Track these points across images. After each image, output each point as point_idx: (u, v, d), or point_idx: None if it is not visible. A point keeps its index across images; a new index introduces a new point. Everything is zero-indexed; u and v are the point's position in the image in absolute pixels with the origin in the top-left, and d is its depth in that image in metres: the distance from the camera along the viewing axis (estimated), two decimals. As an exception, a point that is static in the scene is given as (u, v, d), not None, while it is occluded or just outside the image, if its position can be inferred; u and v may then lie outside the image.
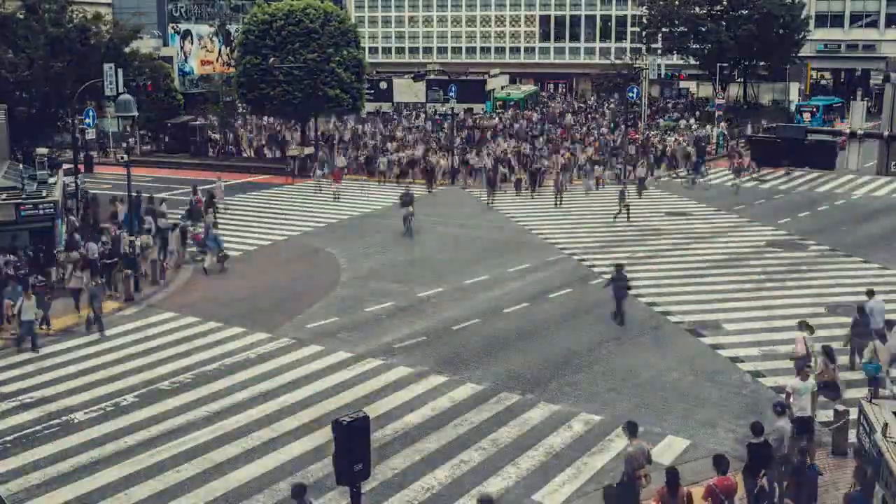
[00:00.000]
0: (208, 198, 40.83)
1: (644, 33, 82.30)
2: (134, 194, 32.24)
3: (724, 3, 75.29)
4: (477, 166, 50.85)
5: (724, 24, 73.98)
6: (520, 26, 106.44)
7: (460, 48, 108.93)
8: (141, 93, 39.97)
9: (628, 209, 39.82)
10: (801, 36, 76.75)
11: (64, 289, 28.08)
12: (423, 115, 75.96)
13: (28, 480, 16.91)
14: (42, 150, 34.24)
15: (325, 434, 17.62)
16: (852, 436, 16.74)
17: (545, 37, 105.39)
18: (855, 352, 21.57)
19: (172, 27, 72.75)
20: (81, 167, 40.23)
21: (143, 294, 29.29)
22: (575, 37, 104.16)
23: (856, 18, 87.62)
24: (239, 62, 57.22)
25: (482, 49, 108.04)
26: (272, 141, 62.50)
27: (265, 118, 68.70)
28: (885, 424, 13.79)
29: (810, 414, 17.39)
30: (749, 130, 65.86)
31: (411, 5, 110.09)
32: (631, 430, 15.35)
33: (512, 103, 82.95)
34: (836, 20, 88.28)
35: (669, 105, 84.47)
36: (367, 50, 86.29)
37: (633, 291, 28.98)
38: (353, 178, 52.01)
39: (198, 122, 62.57)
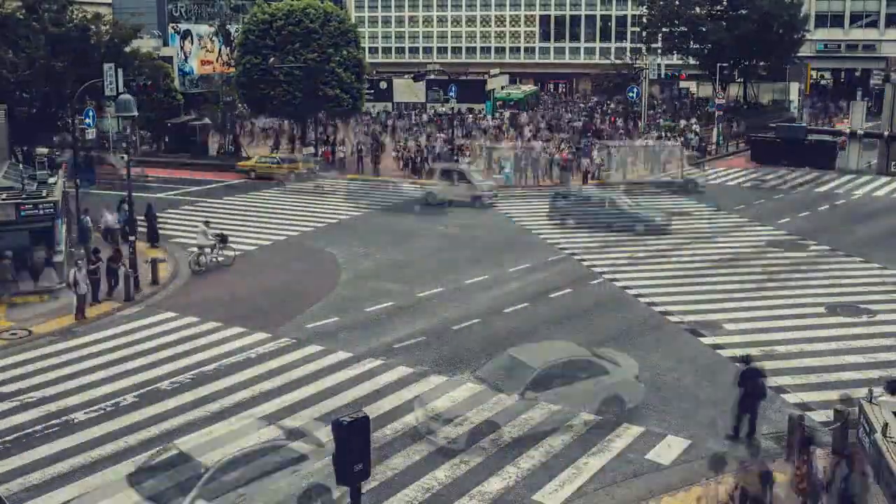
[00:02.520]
0: None
1: (644, 33, 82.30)
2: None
3: (724, 3, 75.30)
4: None
5: (724, 24, 73.98)
6: (520, 26, 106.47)
7: (460, 48, 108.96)
8: (141, 93, 39.94)
9: None
10: (800, 36, 76.75)
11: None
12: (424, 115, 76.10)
13: (28, 480, 16.91)
14: (42, 150, 34.19)
15: (325, 434, 17.63)
16: (852, 436, 16.75)
17: (545, 37, 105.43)
18: None
19: (172, 27, 72.57)
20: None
21: (143, 294, 29.29)
22: (575, 37, 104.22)
23: (856, 18, 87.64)
24: (239, 62, 57.22)
25: (482, 49, 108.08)
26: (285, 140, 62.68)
27: (266, 119, 68.69)
28: (885, 424, 13.81)
29: None
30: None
31: (411, 5, 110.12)
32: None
33: (512, 103, 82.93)
34: (836, 20, 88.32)
35: (665, 107, 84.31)
36: (367, 50, 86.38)
37: (632, 291, 29.08)
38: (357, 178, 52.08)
39: (198, 122, 62.55)
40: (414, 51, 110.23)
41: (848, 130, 52.78)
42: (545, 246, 35.58)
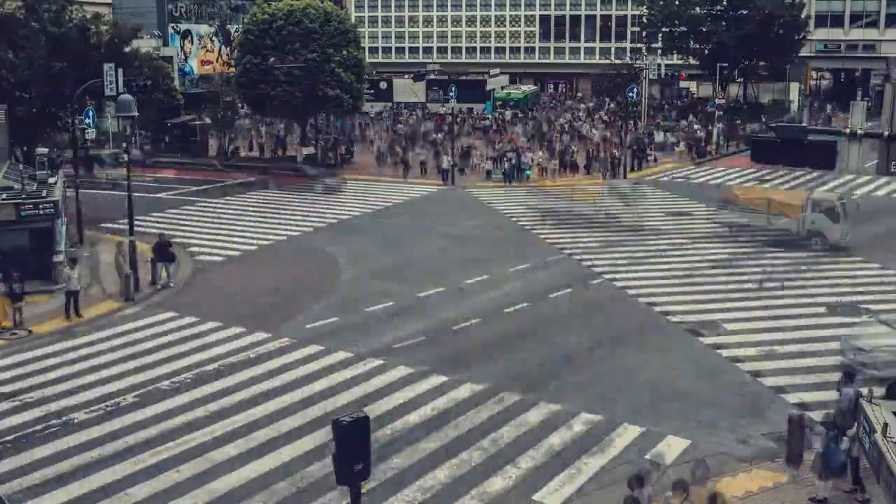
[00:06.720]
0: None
1: (644, 33, 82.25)
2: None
3: (725, 3, 75.25)
4: None
5: (725, 24, 73.95)
6: (520, 26, 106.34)
7: (460, 48, 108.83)
8: (141, 92, 39.88)
9: None
10: (801, 36, 76.69)
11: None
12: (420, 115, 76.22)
13: (28, 480, 16.91)
14: (42, 150, 34.20)
15: (325, 434, 17.65)
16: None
17: (545, 37, 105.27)
18: None
19: (172, 27, 72.67)
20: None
21: (143, 294, 29.28)
22: (575, 37, 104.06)
23: (856, 18, 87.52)
24: (239, 62, 57.19)
25: (482, 49, 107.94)
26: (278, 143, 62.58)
27: (266, 120, 68.62)
28: (885, 424, 13.80)
29: None
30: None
31: (411, 5, 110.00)
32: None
33: (512, 103, 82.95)
34: (836, 20, 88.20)
35: (665, 106, 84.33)
36: (367, 50, 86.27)
37: (632, 291, 29.10)
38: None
39: (198, 122, 62.53)
40: (414, 51, 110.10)
41: (848, 130, 52.67)
42: (545, 246, 35.57)
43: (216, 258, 34.21)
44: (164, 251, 30.77)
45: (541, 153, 54.71)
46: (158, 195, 46.32)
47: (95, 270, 31.67)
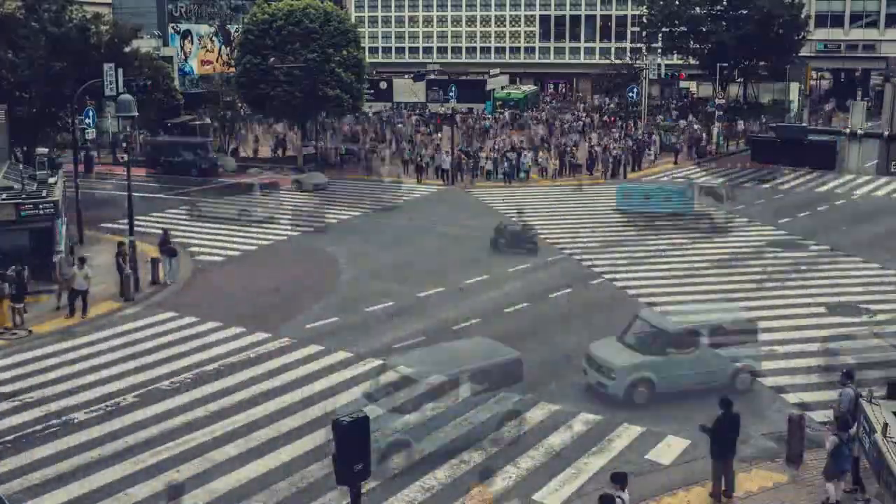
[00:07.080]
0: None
1: (644, 33, 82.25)
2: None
3: (724, 3, 75.25)
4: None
5: (725, 23, 73.95)
6: (520, 26, 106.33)
7: (460, 48, 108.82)
8: (141, 92, 39.92)
9: None
10: (800, 36, 76.69)
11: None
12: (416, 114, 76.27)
13: (28, 480, 16.91)
14: (42, 150, 34.20)
15: (325, 434, 17.65)
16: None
17: (545, 37, 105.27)
18: None
19: (172, 27, 72.73)
20: (81, 167, 40.24)
21: (143, 294, 29.28)
22: (575, 37, 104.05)
23: (856, 18, 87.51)
24: (239, 62, 57.20)
25: (482, 49, 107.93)
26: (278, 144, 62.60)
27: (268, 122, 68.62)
28: (885, 424, 13.78)
29: None
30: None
31: (411, 5, 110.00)
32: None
33: (512, 103, 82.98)
34: (836, 20, 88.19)
35: (664, 104, 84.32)
36: (367, 50, 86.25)
37: (633, 291, 29.10)
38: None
39: (198, 122, 62.52)
40: (414, 51, 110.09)
41: (848, 130, 52.62)
42: (545, 246, 35.55)
43: (216, 258, 34.22)
44: (165, 247, 31.30)
45: (541, 153, 54.75)
46: (158, 195, 46.32)
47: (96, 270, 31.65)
